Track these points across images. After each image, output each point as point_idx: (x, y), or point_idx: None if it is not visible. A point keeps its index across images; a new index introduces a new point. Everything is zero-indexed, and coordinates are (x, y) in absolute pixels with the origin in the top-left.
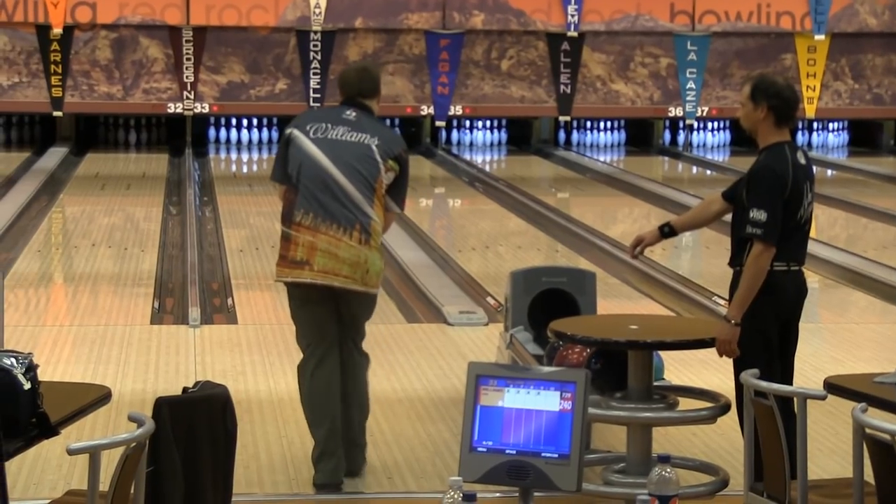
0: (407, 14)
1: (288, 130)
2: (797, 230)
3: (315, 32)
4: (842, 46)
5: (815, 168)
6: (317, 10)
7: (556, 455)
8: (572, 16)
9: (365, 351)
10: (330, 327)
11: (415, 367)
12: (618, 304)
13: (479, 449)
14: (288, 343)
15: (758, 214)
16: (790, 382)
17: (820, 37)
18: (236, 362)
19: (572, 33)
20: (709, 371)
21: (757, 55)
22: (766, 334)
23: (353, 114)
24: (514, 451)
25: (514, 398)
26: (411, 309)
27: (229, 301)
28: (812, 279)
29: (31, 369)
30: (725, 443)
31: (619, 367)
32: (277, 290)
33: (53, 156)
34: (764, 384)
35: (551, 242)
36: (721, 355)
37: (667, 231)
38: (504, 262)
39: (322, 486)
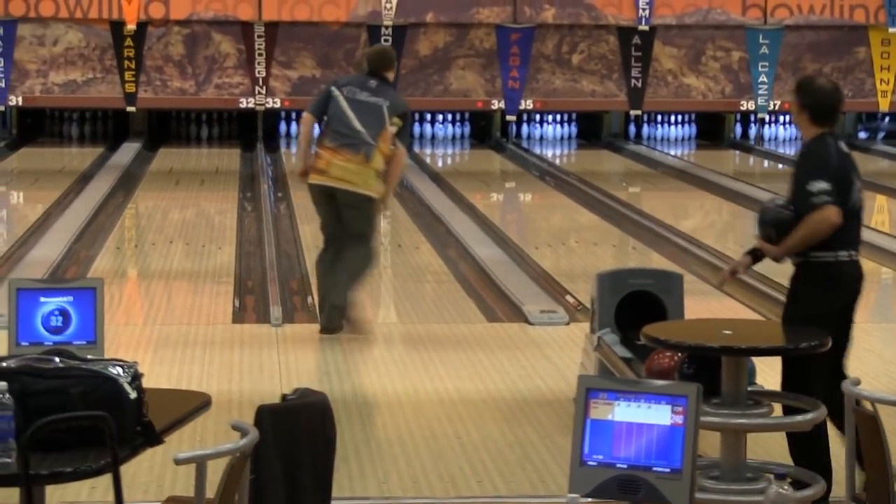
0: (478, 8)
1: (329, 87)
2: (853, 217)
3: (386, 27)
4: None
5: (887, 162)
6: (388, 5)
7: (667, 469)
8: (643, 10)
9: (367, 242)
10: (332, 219)
11: (498, 368)
12: (696, 302)
13: (590, 463)
14: (371, 344)
15: (816, 185)
16: (841, 377)
17: (894, 30)
18: (320, 362)
19: (643, 27)
20: None
21: (830, 48)
22: (828, 326)
23: (375, 83)
24: (626, 465)
25: (625, 412)
26: (491, 308)
27: (309, 300)
28: (887, 275)
29: (136, 378)
30: None
31: (711, 372)
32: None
33: (127, 151)
34: (866, 393)
35: (624, 238)
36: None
37: (759, 255)
38: (578, 258)
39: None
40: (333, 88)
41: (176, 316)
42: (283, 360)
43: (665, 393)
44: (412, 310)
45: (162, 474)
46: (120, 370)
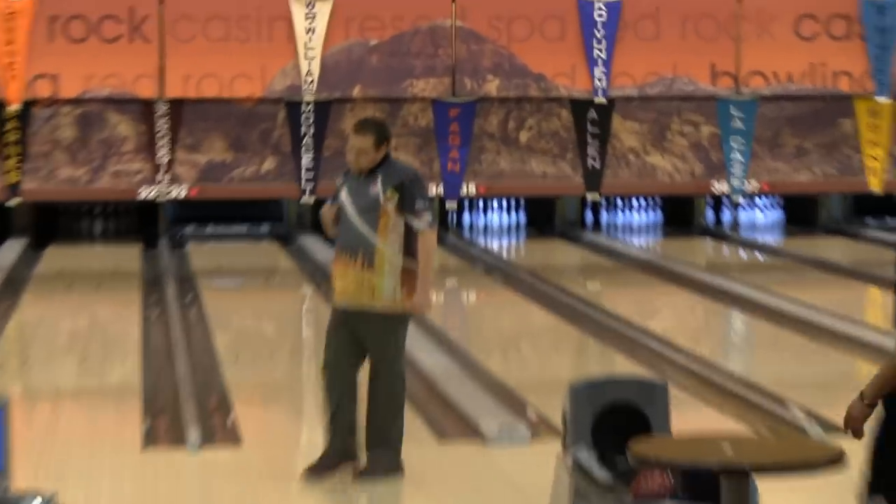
0: (411, 81)
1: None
2: None
3: (307, 103)
4: None
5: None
6: (309, 79)
7: None
8: (600, 80)
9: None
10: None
11: (456, 498)
12: (677, 414)
13: None
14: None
15: None
16: None
17: (883, 99)
18: (246, 491)
19: (600, 99)
20: (803, 497)
21: (812, 121)
22: None
23: None
24: None
25: None
26: (440, 425)
27: (230, 419)
28: None
29: None
30: None
31: (710, 496)
32: (284, 405)
33: (9, 251)
34: None
35: (584, 341)
36: (846, 430)
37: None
38: (534, 365)
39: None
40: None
41: (76, 442)
42: (205, 490)
43: None
44: None
45: None
46: (39, 500)
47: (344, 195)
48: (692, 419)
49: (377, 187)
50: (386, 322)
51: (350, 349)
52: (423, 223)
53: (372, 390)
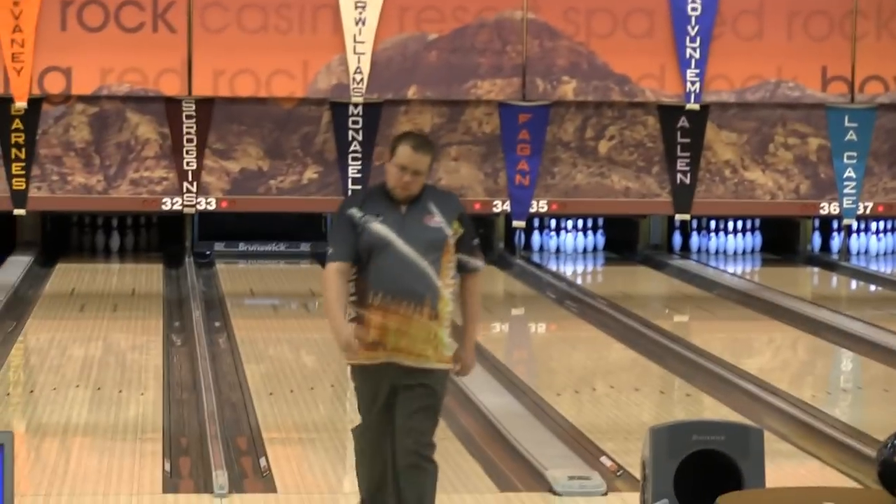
0: (476, 81)
1: None
2: None
3: (355, 105)
4: None
5: None
6: (358, 77)
7: None
8: (692, 82)
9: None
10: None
11: None
12: (775, 467)
13: None
14: None
15: None
16: None
17: None
18: None
19: (693, 106)
20: None
21: None
22: None
23: None
24: None
25: None
26: (503, 473)
27: (262, 461)
28: None
29: None
30: None
31: None
32: (324, 448)
33: (14, 267)
34: None
35: (669, 380)
36: None
37: None
38: (611, 407)
39: None
40: None
41: (88, 484)
42: None
43: None
44: None
45: None
46: None
47: (384, 230)
48: (790, 471)
49: (436, 219)
50: (444, 382)
51: (391, 417)
52: (481, 262)
53: (414, 462)
